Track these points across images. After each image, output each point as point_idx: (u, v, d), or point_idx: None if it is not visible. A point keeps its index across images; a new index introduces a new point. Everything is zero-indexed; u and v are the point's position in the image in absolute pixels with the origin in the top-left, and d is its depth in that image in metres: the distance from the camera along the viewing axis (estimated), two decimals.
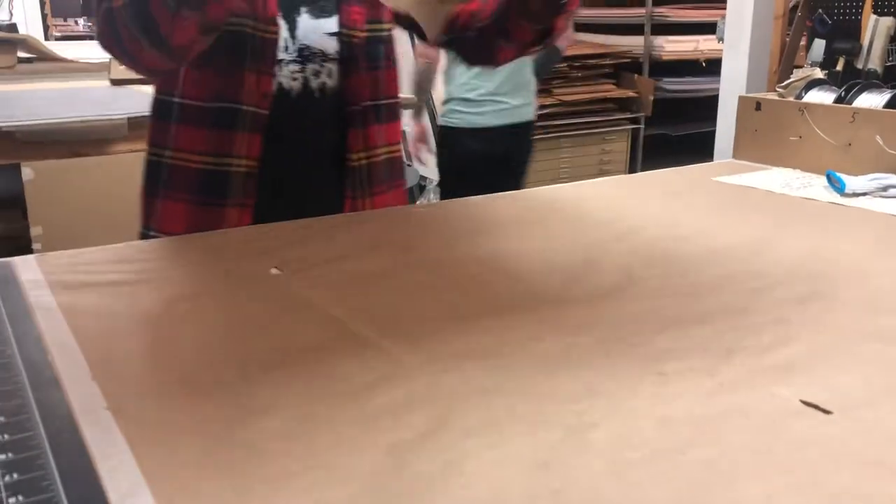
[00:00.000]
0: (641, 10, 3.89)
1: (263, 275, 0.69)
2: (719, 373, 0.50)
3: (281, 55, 0.89)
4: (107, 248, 0.77)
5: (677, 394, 0.47)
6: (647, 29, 3.89)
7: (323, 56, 0.91)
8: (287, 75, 0.89)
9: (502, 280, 0.68)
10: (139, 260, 0.73)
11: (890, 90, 1.07)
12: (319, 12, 0.91)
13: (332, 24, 0.91)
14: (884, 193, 0.95)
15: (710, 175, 1.09)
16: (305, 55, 0.90)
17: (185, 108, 0.90)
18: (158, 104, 0.92)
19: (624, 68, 3.95)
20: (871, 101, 1.06)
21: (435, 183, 3.05)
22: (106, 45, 0.81)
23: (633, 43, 3.94)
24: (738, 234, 0.82)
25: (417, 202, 3.02)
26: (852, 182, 0.96)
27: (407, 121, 2.97)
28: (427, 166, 2.93)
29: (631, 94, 3.89)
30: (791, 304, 0.62)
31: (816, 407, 0.46)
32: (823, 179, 1.01)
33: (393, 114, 1.01)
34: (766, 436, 0.43)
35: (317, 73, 0.91)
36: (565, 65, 3.67)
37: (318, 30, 0.90)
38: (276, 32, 0.87)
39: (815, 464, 0.40)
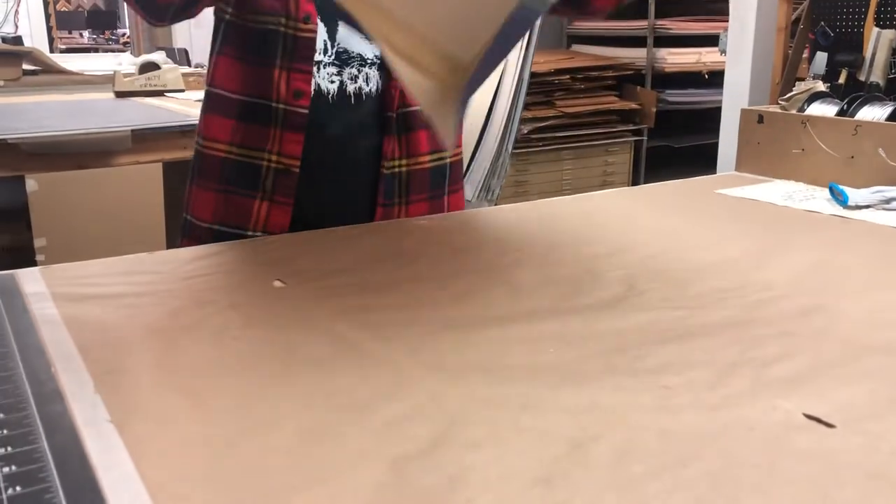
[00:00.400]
0: (644, 23, 3.90)
1: (266, 287, 0.69)
2: (722, 386, 0.50)
3: (319, 57, 0.90)
4: (110, 260, 0.78)
5: (680, 407, 0.47)
6: (650, 41, 3.90)
7: (361, 60, 0.92)
8: (324, 78, 0.90)
9: (504, 292, 0.68)
10: (143, 272, 0.73)
11: (892, 103, 1.07)
12: None
13: None
14: (887, 206, 0.95)
15: (712, 187, 1.09)
16: (343, 59, 0.91)
17: (212, 97, 0.93)
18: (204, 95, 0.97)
19: (626, 80, 3.96)
20: (873, 113, 1.07)
21: None
22: None
23: (636, 55, 3.95)
24: (740, 246, 0.82)
25: None
26: (855, 195, 0.96)
27: None
28: None
29: (633, 105, 3.89)
30: (794, 316, 0.62)
31: (819, 420, 0.46)
32: (826, 192, 1.01)
33: None
34: (770, 449, 0.43)
35: (354, 78, 0.91)
36: (568, 77, 3.68)
37: (357, 33, 0.91)
38: (313, 31, 0.88)
39: (819, 478, 0.40)
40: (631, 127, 3.94)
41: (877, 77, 1.44)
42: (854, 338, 0.58)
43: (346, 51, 0.91)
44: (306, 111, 0.89)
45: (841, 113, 1.10)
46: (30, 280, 0.70)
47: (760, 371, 0.52)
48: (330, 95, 0.91)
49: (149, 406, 0.48)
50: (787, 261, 0.77)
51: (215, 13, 0.94)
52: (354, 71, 0.91)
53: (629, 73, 3.94)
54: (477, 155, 3.06)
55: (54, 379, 0.50)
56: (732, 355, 0.55)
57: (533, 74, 3.20)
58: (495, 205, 3.10)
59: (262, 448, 0.43)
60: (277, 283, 0.70)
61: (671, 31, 3.89)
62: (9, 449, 0.42)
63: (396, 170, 0.95)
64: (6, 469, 0.40)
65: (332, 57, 0.90)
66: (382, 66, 0.92)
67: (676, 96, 3.95)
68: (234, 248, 0.82)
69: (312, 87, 0.90)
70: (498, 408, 0.47)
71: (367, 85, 0.92)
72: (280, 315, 0.63)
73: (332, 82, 0.91)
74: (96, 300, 0.65)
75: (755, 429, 0.45)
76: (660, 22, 3.88)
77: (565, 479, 0.40)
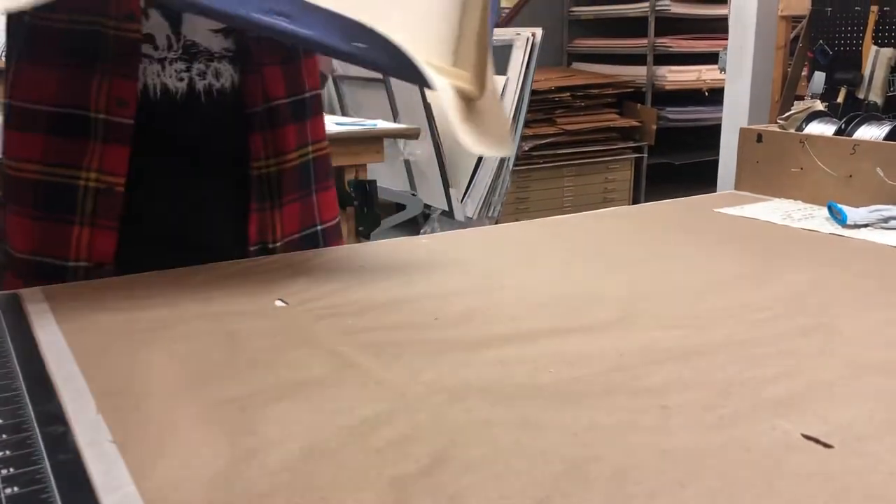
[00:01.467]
0: (644, 41, 3.93)
1: (268, 306, 0.69)
2: (721, 406, 0.50)
3: (163, 53, 0.81)
4: (113, 279, 0.78)
5: (678, 427, 0.48)
6: (650, 59, 3.92)
7: (208, 55, 0.83)
8: (172, 76, 0.82)
9: (504, 311, 0.68)
10: (145, 291, 0.74)
11: (890, 122, 1.07)
12: None
13: None
14: (885, 225, 0.95)
15: (711, 206, 1.09)
16: (192, 53, 0.82)
17: (16, 111, 0.83)
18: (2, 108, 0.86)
19: (627, 98, 3.98)
20: (871, 133, 1.07)
21: (439, 212, 3.06)
22: None
23: (636, 73, 3.98)
24: (739, 265, 0.82)
25: (421, 231, 3.03)
26: (853, 213, 0.96)
27: (413, 149, 2.99)
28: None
29: (634, 123, 3.91)
30: (792, 336, 0.62)
31: (818, 441, 0.46)
32: (825, 211, 1.02)
33: (316, 108, 0.93)
34: (767, 470, 0.43)
35: (202, 74, 0.83)
36: (568, 94, 3.70)
37: (204, 25, 0.83)
38: (137, 31, 0.79)
39: (816, 498, 0.40)
40: (631, 144, 3.96)
41: (875, 96, 1.46)
42: (853, 357, 0.58)
43: (193, 44, 0.82)
44: (131, 122, 0.80)
45: (839, 132, 1.11)
46: (32, 299, 0.70)
47: (759, 391, 0.52)
48: (179, 94, 0.82)
49: (151, 426, 0.48)
50: (786, 280, 0.77)
51: (8, 15, 0.81)
52: (202, 66, 0.83)
53: (629, 90, 3.97)
54: (477, 172, 3.08)
55: (56, 399, 0.51)
56: (731, 375, 0.55)
57: (533, 92, 3.22)
58: (496, 222, 3.11)
59: (263, 468, 0.43)
60: (279, 303, 0.70)
61: (671, 49, 3.91)
62: (11, 470, 0.42)
63: (265, 170, 0.87)
64: (8, 490, 0.40)
65: (179, 51, 0.82)
66: (235, 60, 0.84)
67: (676, 114, 3.97)
68: (235, 266, 0.82)
69: (157, 88, 0.81)
70: (497, 428, 0.48)
71: (218, 80, 0.84)
72: (281, 334, 0.63)
73: (181, 80, 0.82)
74: (98, 319, 0.66)
75: (753, 449, 0.45)
76: (660, 40, 3.90)
77: (564, 500, 0.40)
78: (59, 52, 0.79)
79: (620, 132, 3.93)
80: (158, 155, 0.83)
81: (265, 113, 0.86)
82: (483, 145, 0.68)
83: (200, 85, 0.83)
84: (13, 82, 0.83)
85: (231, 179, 0.87)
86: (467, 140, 0.66)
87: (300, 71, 0.90)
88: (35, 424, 0.47)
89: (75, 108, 0.79)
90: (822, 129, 1.13)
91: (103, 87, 0.79)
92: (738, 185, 1.21)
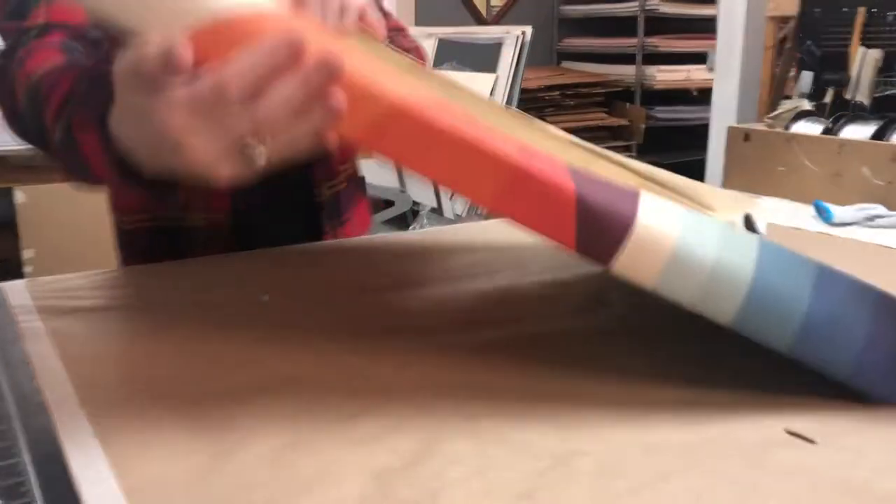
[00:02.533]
0: (633, 41, 3.93)
1: (252, 302, 0.69)
2: (705, 401, 0.50)
3: None
4: (96, 273, 0.78)
5: (663, 421, 0.48)
6: (639, 58, 3.92)
7: None
8: None
9: (492, 307, 0.68)
10: (129, 286, 0.73)
11: (876, 122, 1.08)
12: None
13: None
14: (870, 223, 0.96)
15: None
16: None
17: None
18: None
19: (616, 97, 3.98)
20: (857, 132, 1.08)
21: (429, 208, 3.06)
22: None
23: (625, 72, 3.98)
24: None
25: (410, 227, 3.03)
26: (840, 212, 0.97)
27: None
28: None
29: (623, 122, 3.92)
30: None
31: (800, 436, 0.46)
32: (811, 209, 1.02)
33: None
34: (751, 465, 0.43)
35: None
36: (558, 93, 3.70)
37: None
38: None
39: (800, 493, 0.40)
40: (621, 143, 3.96)
41: (862, 96, 1.46)
42: None
43: None
44: None
45: (826, 131, 1.11)
46: (15, 293, 0.69)
47: (743, 387, 0.52)
48: None
49: (133, 420, 0.48)
50: None
51: None
52: None
53: (619, 89, 3.97)
54: None
55: (38, 392, 0.50)
56: (715, 370, 0.55)
57: (523, 91, 3.22)
58: (485, 219, 3.09)
59: (246, 461, 0.43)
60: (264, 298, 0.70)
61: (660, 49, 3.92)
62: None
63: (324, 196, 0.93)
64: None
65: None
66: None
67: (665, 113, 3.97)
68: (219, 261, 0.82)
69: None
70: (481, 422, 0.48)
71: None
72: (265, 329, 0.63)
73: None
74: (82, 313, 0.65)
75: (737, 444, 0.45)
76: (649, 39, 3.91)
77: (549, 494, 0.40)
78: None
79: (610, 131, 3.93)
80: (237, 194, 0.86)
81: None
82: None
83: None
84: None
85: (300, 209, 0.93)
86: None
87: None
88: (15, 417, 0.47)
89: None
90: (810, 128, 1.14)
91: None
92: (726, 184, 1.21)
